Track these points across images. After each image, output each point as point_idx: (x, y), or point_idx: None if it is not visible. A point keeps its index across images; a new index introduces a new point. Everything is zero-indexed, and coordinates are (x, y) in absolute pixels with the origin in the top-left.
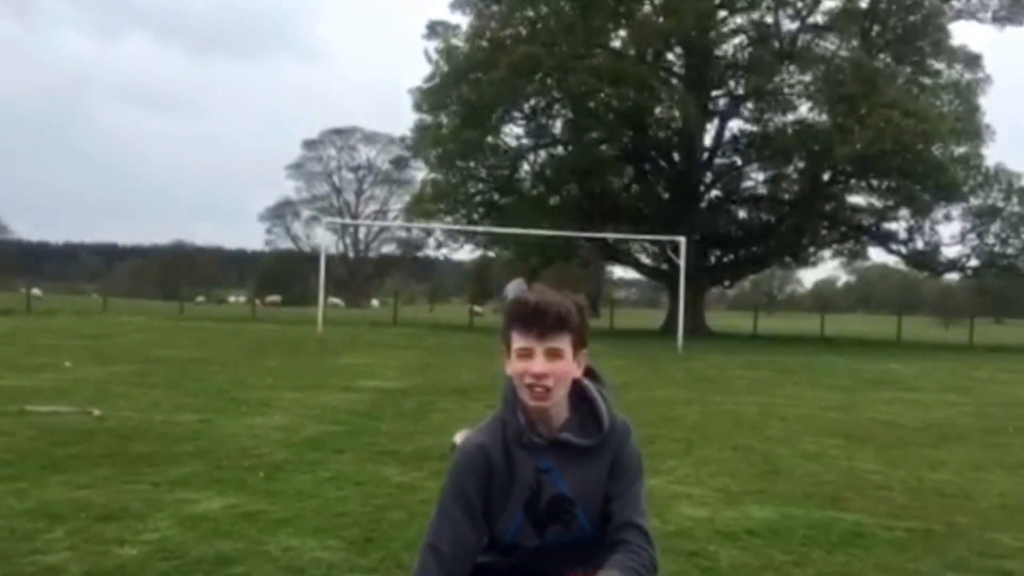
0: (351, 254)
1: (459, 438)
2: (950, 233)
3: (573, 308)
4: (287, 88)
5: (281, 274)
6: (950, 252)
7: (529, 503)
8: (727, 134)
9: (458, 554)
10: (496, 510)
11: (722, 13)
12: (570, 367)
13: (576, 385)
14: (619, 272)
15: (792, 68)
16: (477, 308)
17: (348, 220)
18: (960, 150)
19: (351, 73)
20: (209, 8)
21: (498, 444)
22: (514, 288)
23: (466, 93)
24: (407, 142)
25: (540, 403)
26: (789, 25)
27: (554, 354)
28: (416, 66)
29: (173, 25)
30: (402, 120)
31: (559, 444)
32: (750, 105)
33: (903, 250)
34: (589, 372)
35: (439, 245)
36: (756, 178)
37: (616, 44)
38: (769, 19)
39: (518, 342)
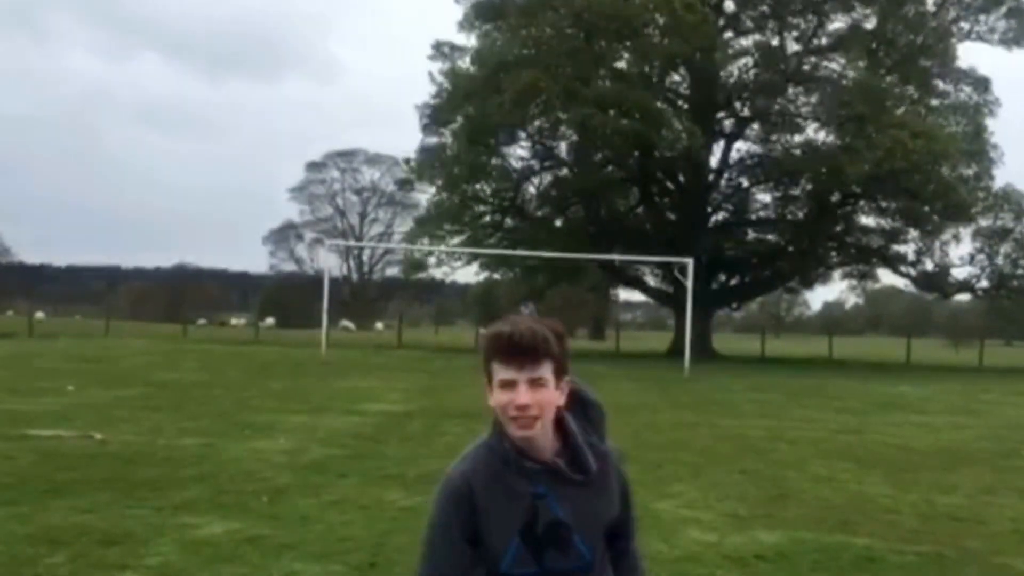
0: (355, 277)
1: None
2: (959, 254)
3: (551, 335)
4: (297, 108)
5: (284, 297)
6: (960, 273)
7: (526, 529)
8: (734, 156)
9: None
10: (488, 539)
11: (727, 35)
12: (553, 395)
13: (558, 417)
14: (625, 294)
15: (798, 89)
16: (483, 331)
17: (352, 242)
18: (969, 171)
19: (364, 93)
20: (221, 28)
21: (482, 472)
22: (527, 312)
23: (471, 112)
24: (411, 164)
25: (526, 432)
26: (795, 47)
27: (537, 383)
28: (428, 84)
29: (185, 45)
30: (413, 139)
31: (552, 470)
32: (756, 127)
33: (912, 272)
34: (577, 397)
35: (440, 263)
36: (763, 200)
37: (621, 65)
38: (775, 41)
39: (500, 374)
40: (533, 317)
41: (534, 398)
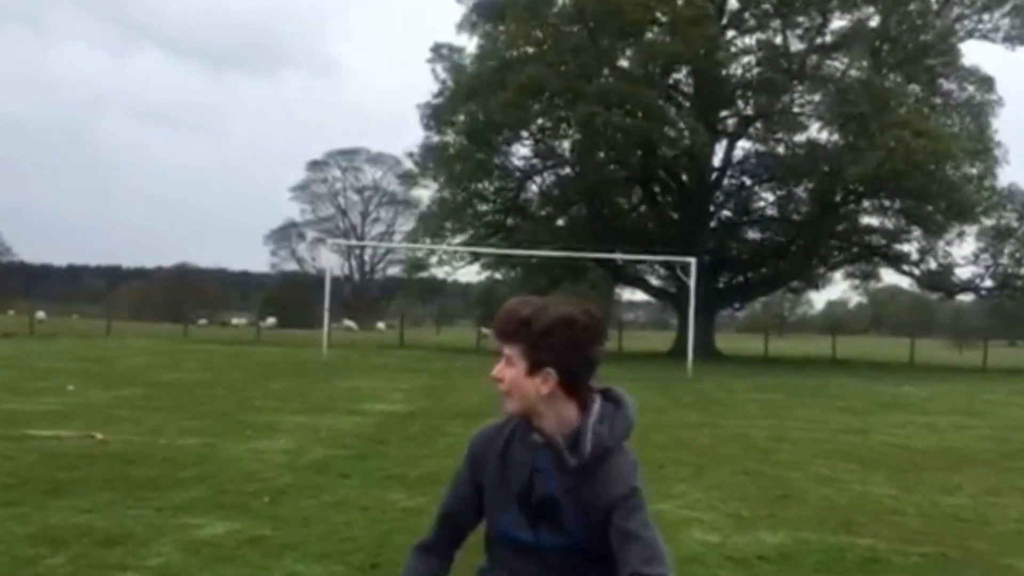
0: (357, 276)
1: None
2: (963, 254)
3: (529, 320)
4: (299, 107)
5: (286, 296)
6: (963, 273)
7: (522, 496)
8: (737, 154)
9: (459, 501)
10: (492, 494)
11: (730, 33)
12: (520, 379)
13: (583, 403)
14: (627, 294)
15: (801, 88)
16: (485, 330)
17: (353, 242)
18: (972, 170)
19: (366, 90)
20: (223, 27)
21: (503, 435)
22: None
23: (474, 111)
24: (415, 158)
25: (505, 407)
26: (798, 45)
27: (507, 360)
28: (428, 83)
29: (186, 43)
30: (413, 140)
31: (551, 446)
32: (759, 125)
33: (915, 271)
34: (608, 395)
35: (441, 262)
36: (766, 199)
37: (624, 63)
38: (778, 40)
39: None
40: (548, 300)
41: (502, 373)
